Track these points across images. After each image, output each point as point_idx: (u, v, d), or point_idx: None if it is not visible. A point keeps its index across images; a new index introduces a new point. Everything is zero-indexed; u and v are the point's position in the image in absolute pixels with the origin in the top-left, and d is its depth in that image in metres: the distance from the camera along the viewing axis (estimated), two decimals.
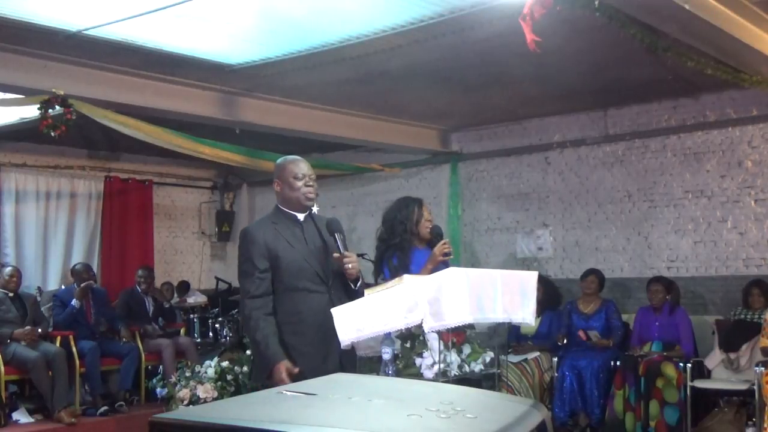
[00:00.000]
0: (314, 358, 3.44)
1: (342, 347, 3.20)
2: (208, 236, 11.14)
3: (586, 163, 8.34)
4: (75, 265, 8.26)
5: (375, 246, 4.55)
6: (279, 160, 3.75)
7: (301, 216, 3.66)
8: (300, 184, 3.61)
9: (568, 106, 8.12)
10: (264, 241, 3.53)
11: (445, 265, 4.09)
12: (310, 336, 3.48)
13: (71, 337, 7.36)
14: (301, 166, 3.65)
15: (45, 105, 5.97)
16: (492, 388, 3.94)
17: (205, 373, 5.87)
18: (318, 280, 3.56)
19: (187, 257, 10.98)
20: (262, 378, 3.44)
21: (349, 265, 3.55)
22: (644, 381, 6.43)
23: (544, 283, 6.83)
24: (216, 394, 5.66)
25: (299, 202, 3.63)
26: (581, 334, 7.15)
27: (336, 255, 3.55)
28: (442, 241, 4.25)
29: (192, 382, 5.79)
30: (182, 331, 8.56)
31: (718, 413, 6.43)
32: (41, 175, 9.17)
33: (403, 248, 4.35)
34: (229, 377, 5.83)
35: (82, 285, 7.64)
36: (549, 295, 7.43)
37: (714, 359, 6.73)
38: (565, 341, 7.27)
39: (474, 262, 8.92)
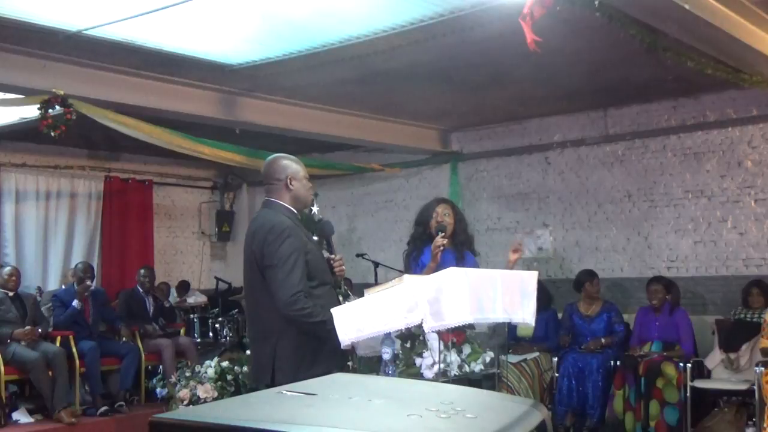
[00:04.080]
0: (343, 352, 3.42)
1: (342, 347, 3.20)
2: (208, 236, 11.15)
3: (586, 163, 8.33)
4: (77, 264, 8.25)
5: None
6: (285, 158, 3.64)
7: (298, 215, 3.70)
8: (309, 185, 3.65)
9: (568, 106, 8.12)
10: (299, 235, 3.48)
11: (453, 260, 4.25)
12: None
13: (71, 337, 7.36)
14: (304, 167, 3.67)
15: (45, 105, 5.96)
16: (492, 388, 3.93)
17: (205, 373, 5.88)
18: (331, 276, 3.64)
19: (187, 257, 10.98)
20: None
21: (343, 267, 3.72)
22: (644, 381, 6.43)
23: None
24: (216, 394, 5.67)
25: (306, 203, 3.69)
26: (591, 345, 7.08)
27: (332, 257, 3.67)
28: (440, 235, 4.35)
29: (192, 382, 5.80)
30: (182, 331, 8.56)
31: (718, 413, 6.43)
32: (41, 175, 9.17)
33: (416, 245, 4.55)
34: (229, 377, 5.84)
35: (79, 287, 7.60)
36: (539, 295, 7.33)
37: (714, 359, 6.73)
38: (567, 343, 7.23)
39: None
